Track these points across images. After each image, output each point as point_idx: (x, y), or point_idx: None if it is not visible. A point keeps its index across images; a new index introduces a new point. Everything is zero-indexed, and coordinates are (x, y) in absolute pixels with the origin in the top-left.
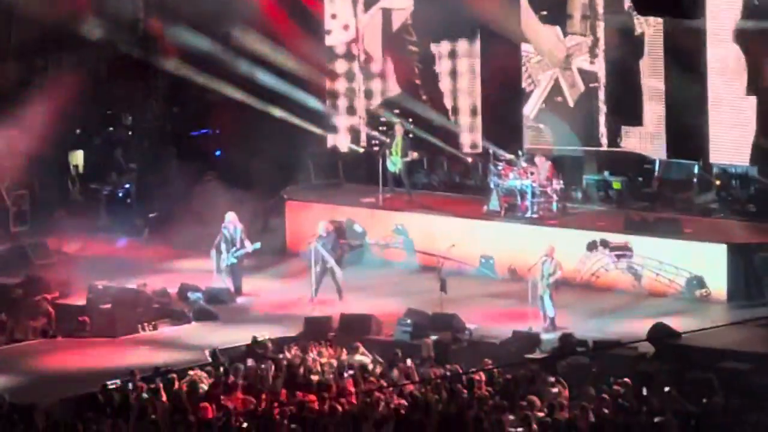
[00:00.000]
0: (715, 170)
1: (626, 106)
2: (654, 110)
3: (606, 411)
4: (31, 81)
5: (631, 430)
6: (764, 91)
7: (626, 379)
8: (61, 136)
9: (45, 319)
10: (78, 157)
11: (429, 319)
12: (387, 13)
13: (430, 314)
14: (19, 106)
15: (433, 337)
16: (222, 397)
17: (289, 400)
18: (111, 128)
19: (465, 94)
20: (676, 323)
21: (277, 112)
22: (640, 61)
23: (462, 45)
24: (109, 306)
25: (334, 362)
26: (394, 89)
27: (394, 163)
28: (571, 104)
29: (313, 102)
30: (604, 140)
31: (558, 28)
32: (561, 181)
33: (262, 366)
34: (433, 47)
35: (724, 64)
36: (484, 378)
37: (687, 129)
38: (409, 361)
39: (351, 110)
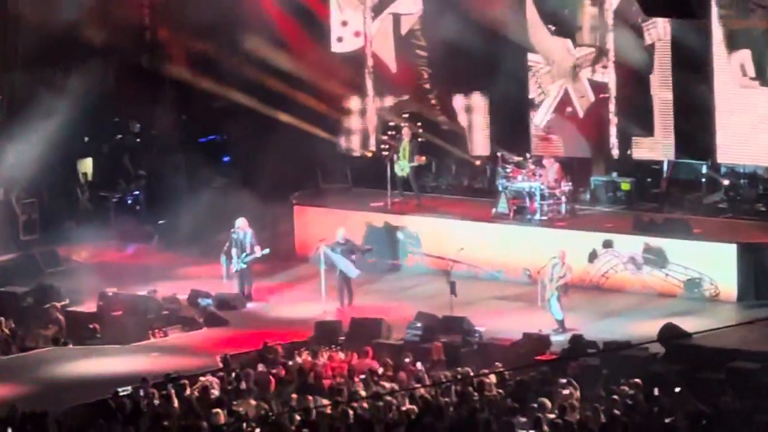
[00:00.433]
0: (723, 170)
1: (637, 117)
2: (664, 119)
3: (617, 412)
4: (39, 90)
5: (643, 431)
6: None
7: (637, 380)
8: (69, 144)
9: (56, 327)
10: (87, 165)
11: (439, 322)
12: (396, 18)
13: (440, 317)
14: (28, 116)
15: (444, 340)
16: (233, 402)
17: (300, 405)
18: (119, 136)
19: (473, 99)
20: (686, 323)
21: (285, 118)
22: (650, 71)
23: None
24: (119, 313)
25: (345, 366)
26: (402, 93)
27: (402, 167)
28: (582, 114)
29: (321, 107)
30: (615, 151)
31: (569, 41)
32: (569, 183)
33: (273, 371)
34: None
35: (730, 63)
36: (494, 380)
37: (695, 129)
38: (419, 365)
39: (360, 114)
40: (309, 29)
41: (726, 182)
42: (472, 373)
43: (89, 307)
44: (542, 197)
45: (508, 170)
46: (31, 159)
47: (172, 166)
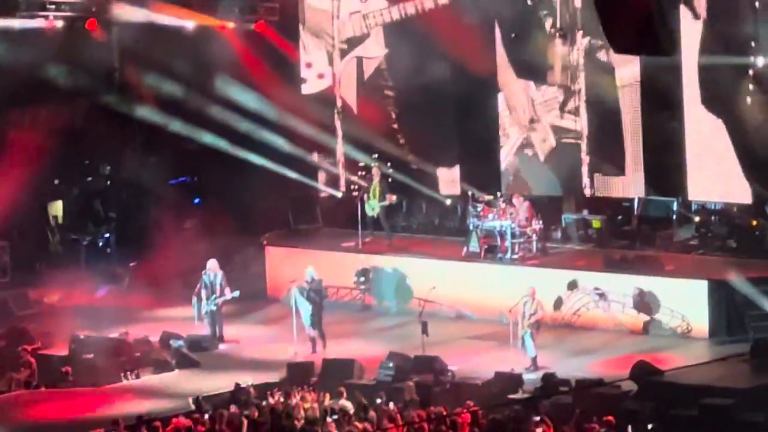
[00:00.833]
0: (694, 207)
1: (608, 155)
2: (635, 156)
3: None
4: (8, 132)
5: None
6: (738, 126)
7: (610, 418)
8: (39, 186)
9: (28, 371)
10: (57, 208)
11: (411, 361)
12: (359, 61)
13: (412, 357)
14: None
15: (416, 380)
16: None
17: None
18: (89, 178)
19: (443, 137)
20: (657, 360)
21: (256, 159)
22: (621, 109)
23: (438, 88)
24: (91, 356)
25: (317, 407)
26: (371, 133)
27: (372, 206)
28: (542, 159)
29: (291, 148)
30: (587, 191)
31: (531, 84)
32: (540, 221)
33: (246, 413)
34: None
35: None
36: (468, 419)
37: (665, 166)
38: (392, 405)
39: (330, 155)
40: (279, 70)
41: (697, 219)
42: (445, 413)
43: (61, 349)
44: (513, 236)
45: (478, 209)
46: (1, 202)
47: (142, 209)
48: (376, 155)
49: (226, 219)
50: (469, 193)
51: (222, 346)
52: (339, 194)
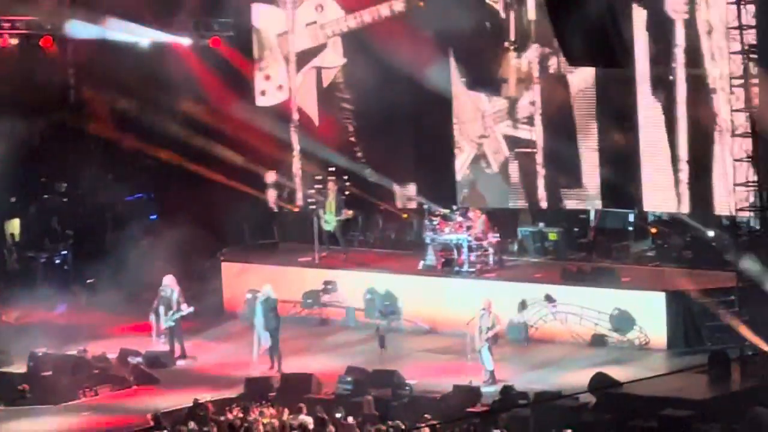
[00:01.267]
0: (650, 218)
1: (564, 169)
2: (591, 169)
3: None
4: None
5: None
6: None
7: (568, 430)
8: None
9: None
10: (14, 226)
11: (369, 376)
12: (318, 72)
13: (370, 371)
14: None
15: (374, 394)
16: None
17: None
18: (46, 196)
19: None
20: (616, 372)
21: (212, 174)
22: (576, 121)
23: (394, 101)
24: (49, 373)
25: (276, 422)
26: (327, 147)
27: (329, 221)
28: (495, 169)
29: (247, 163)
30: (544, 204)
31: (482, 96)
32: (497, 234)
33: (204, 429)
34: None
35: (654, 111)
36: None
37: (621, 178)
38: (351, 419)
39: (286, 169)
40: (233, 85)
41: (653, 230)
42: (403, 427)
43: (19, 367)
44: (470, 249)
45: (435, 223)
46: None
47: (99, 226)
48: (333, 169)
49: (183, 235)
50: (425, 207)
51: (180, 362)
52: (296, 209)
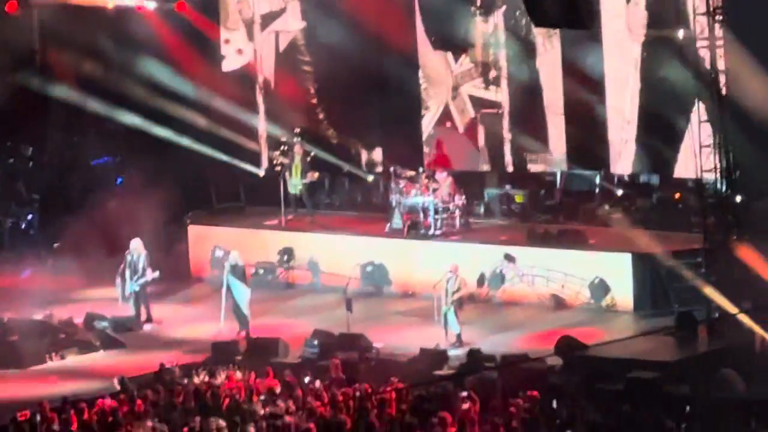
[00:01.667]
0: (616, 180)
1: (530, 130)
2: (557, 131)
3: (516, 425)
4: None
5: None
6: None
7: (535, 392)
8: None
9: None
10: None
11: (336, 339)
12: (277, 35)
13: (336, 334)
14: None
15: (341, 357)
16: (132, 425)
17: (200, 426)
18: (11, 160)
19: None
20: (583, 335)
21: (177, 138)
22: (542, 84)
23: (357, 63)
24: (15, 338)
25: (242, 386)
26: (292, 110)
27: (295, 184)
28: (461, 130)
29: (213, 126)
30: (510, 168)
31: (449, 54)
32: (463, 197)
33: (171, 393)
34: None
35: (620, 73)
36: (393, 396)
37: (587, 140)
38: (318, 383)
39: (252, 132)
40: (199, 49)
41: (620, 192)
42: (370, 390)
43: None
44: (436, 211)
45: (401, 185)
46: None
47: (65, 190)
48: (298, 131)
49: (149, 199)
50: (392, 169)
51: (147, 327)
52: (261, 172)
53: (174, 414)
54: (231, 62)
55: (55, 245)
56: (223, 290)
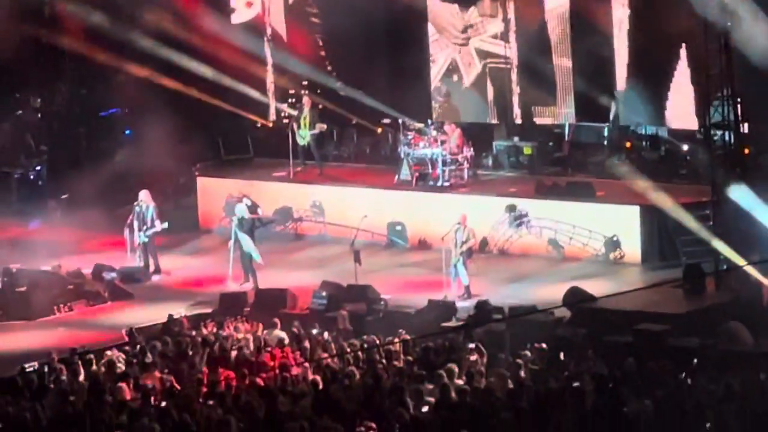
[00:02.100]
0: (625, 132)
1: (539, 85)
2: (565, 83)
3: (524, 377)
4: None
5: (549, 396)
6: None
7: (543, 345)
8: None
9: None
10: None
11: (344, 290)
12: None
13: (344, 286)
14: None
15: (349, 309)
16: (140, 376)
17: (207, 377)
18: (20, 112)
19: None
20: (591, 287)
21: (186, 90)
22: (550, 37)
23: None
24: (24, 289)
25: (251, 337)
26: (300, 62)
27: (303, 136)
28: (467, 84)
29: (221, 78)
30: (518, 120)
31: (456, 6)
32: (471, 149)
33: (179, 344)
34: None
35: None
36: (401, 348)
37: (595, 93)
38: (326, 334)
39: (260, 84)
40: (209, 0)
41: (628, 144)
42: (378, 342)
43: None
44: (444, 163)
45: (409, 137)
46: None
47: (73, 141)
48: (306, 83)
49: (157, 150)
50: (400, 121)
51: (155, 278)
52: (269, 124)
53: (182, 365)
54: (240, 14)
55: (64, 197)
56: (231, 241)
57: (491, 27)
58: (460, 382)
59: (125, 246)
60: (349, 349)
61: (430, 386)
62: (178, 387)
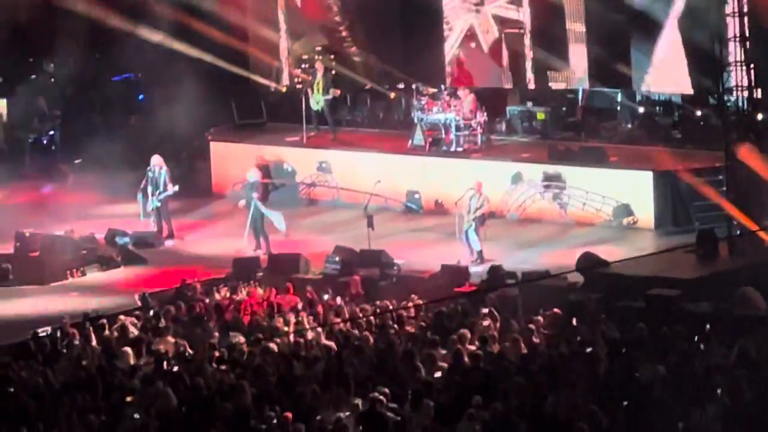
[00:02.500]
0: (638, 98)
1: (553, 50)
2: (579, 48)
3: (536, 342)
4: None
5: (562, 360)
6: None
7: (556, 310)
8: None
9: None
10: (1, 106)
11: (357, 255)
12: None
13: (357, 251)
14: None
15: (362, 274)
16: (152, 341)
17: (220, 341)
18: (33, 76)
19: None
20: (604, 252)
21: (199, 54)
22: (564, 3)
23: None
24: (36, 253)
25: (264, 302)
26: (314, 26)
27: (317, 100)
28: (486, 49)
29: (235, 42)
30: (531, 85)
31: None
32: (485, 114)
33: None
34: None
35: None
36: (413, 313)
37: (609, 58)
38: (338, 299)
39: (274, 49)
40: None
41: (641, 110)
42: (391, 307)
43: (5, 248)
44: (458, 128)
45: (423, 102)
46: None
47: (86, 105)
48: (320, 49)
49: (170, 114)
50: (414, 86)
51: (168, 243)
52: (282, 88)
53: (195, 330)
54: None
55: (77, 161)
56: (243, 205)
57: None
58: (473, 347)
59: (138, 210)
60: (361, 314)
61: (443, 351)
62: (191, 352)
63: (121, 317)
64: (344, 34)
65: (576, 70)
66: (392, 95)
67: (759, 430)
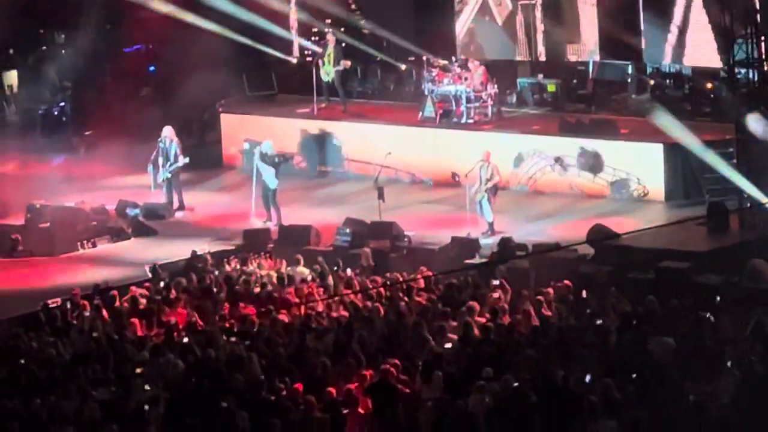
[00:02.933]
0: (649, 70)
1: (563, 21)
2: (590, 20)
3: (547, 314)
4: None
5: (572, 332)
6: None
7: (566, 282)
8: None
9: None
10: (12, 77)
11: (367, 227)
12: None
13: (368, 223)
14: None
15: (372, 246)
16: (163, 312)
17: (230, 313)
18: (44, 47)
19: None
20: (614, 224)
21: (210, 26)
22: None
23: None
24: (47, 225)
25: (274, 274)
26: None
27: (328, 72)
28: (500, 23)
29: (245, 14)
30: (542, 57)
31: None
32: (495, 86)
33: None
34: None
35: None
36: (424, 285)
37: (620, 31)
38: (349, 271)
39: (284, 20)
40: None
41: (652, 82)
42: (401, 278)
43: (17, 219)
44: (468, 100)
45: (433, 74)
46: None
47: (97, 77)
48: (330, 21)
49: (182, 86)
50: (424, 58)
51: (179, 214)
52: (293, 60)
53: (206, 301)
54: None
55: (87, 133)
56: (254, 178)
57: None
58: (483, 319)
59: (149, 182)
60: (372, 286)
61: (454, 323)
62: (202, 323)
63: (132, 288)
64: (354, 5)
65: (587, 41)
66: (403, 67)
67: None
